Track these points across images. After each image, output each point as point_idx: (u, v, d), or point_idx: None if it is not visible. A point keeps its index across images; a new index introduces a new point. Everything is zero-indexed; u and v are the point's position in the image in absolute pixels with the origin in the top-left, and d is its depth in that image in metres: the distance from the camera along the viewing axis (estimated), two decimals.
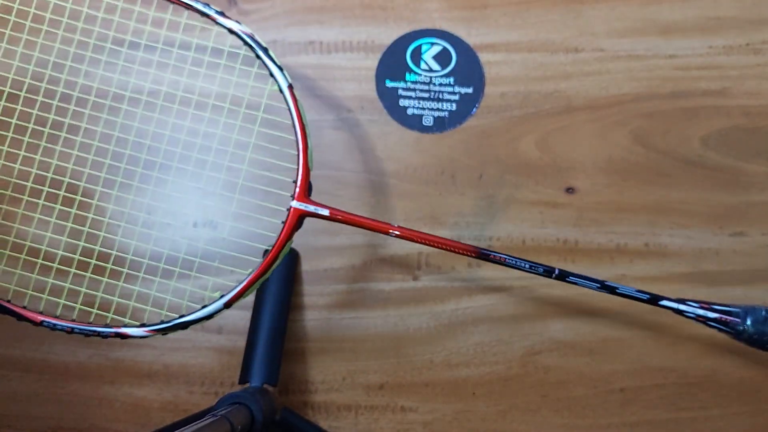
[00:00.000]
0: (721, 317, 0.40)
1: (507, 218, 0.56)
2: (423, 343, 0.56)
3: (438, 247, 0.45)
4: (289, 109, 0.47)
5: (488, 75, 0.58)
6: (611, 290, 0.43)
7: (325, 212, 0.46)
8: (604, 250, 0.56)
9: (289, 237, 0.46)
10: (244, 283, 0.46)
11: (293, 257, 0.55)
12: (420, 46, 0.58)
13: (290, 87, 0.47)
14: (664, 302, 0.43)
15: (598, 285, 0.44)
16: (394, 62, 0.58)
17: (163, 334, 0.46)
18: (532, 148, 0.57)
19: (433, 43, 0.58)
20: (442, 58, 0.58)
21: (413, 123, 0.57)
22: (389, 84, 0.58)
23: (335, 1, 0.58)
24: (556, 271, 0.44)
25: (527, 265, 0.44)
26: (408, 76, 0.58)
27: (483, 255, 0.45)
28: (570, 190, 0.57)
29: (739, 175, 0.57)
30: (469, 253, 0.45)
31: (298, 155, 0.47)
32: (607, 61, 0.58)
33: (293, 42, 0.58)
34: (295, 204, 0.46)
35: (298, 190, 0.46)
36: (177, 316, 0.46)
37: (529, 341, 0.56)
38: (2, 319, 0.56)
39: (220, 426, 0.38)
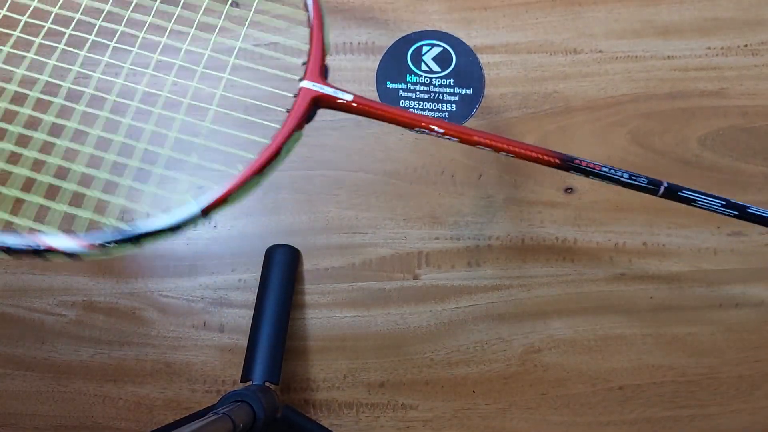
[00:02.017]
0: None
1: (506, 218, 0.57)
2: (423, 341, 0.56)
3: (511, 153, 0.38)
4: None
5: (488, 76, 0.58)
6: (741, 210, 0.34)
7: (348, 97, 0.36)
8: (602, 250, 0.56)
9: (297, 126, 0.36)
10: (233, 181, 0.35)
11: (294, 256, 0.56)
12: (420, 48, 0.59)
13: None
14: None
15: (723, 203, 0.35)
16: (394, 63, 0.59)
17: (104, 250, 0.33)
18: None
19: (433, 45, 0.59)
20: (442, 59, 0.59)
21: None
22: (390, 85, 0.58)
23: (336, 3, 0.59)
24: (665, 184, 0.36)
25: (626, 175, 0.36)
26: (408, 77, 0.58)
27: (567, 162, 0.36)
28: (569, 190, 0.57)
29: (736, 174, 0.57)
30: (552, 160, 0.36)
31: (310, 26, 0.37)
32: (606, 62, 0.58)
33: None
34: (306, 84, 0.36)
35: (309, 68, 0.36)
36: (127, 227, 0.33)
37: (529, 339, 0.56)
38: (5, 319, 0.57)
39: (223, 424, 0.38)
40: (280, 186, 0.57)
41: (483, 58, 0.58)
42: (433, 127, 0.36)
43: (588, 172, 0.36)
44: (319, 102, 0.36)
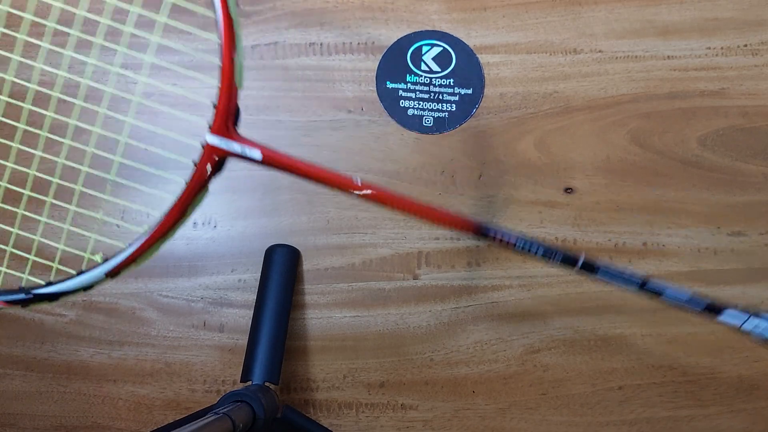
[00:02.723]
0: None
1: (506, 218, 0.57)
2: (423, 341, 0.56)
3: (424, 218, 0.37)
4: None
5: (488, 76, 0.58)
6: (652, 292, 0.33)
7: (256, 154, 0.32)
8: (602, 250, 0.56)
9: (202, 184, 0.33)
10: (137, 245, 0.33)
11: (295, 256, 0.56)
12: (420, 48, 0.59)
13: None
14: (726, 318, 0.31)
15: (637, 283, 0.33)
16: (394, 63, 0.59)
17: (23, 307, 0.34)
18: (531, 148, 0.57)
19: (433, 45, 0.59)
20: (442, 59, 0.59)
21: (413, 123, 0.58)
22: (390, 85, 0.58)
23: (336, 3, 0.59)
24: (581, 261, 0.33)
25: (541, 250, 0.33)
26: (408, 77, 0.59)
27: (483, 231, 0.33)
28: (569, 190, 0.57)
29: (736, 175, 0.57)
30: (466, 228, 0.34)
31: (221, 64, 0.32)
32: (606, 62, 0.58)
33: (294, 43, 0.58)
34: (211, 139, 0.33)
35: (215, 119, 0.32)
36: (43, 283, 0.33)
37: (529, 340, 0.56)
38: (6, 319, 0.57)
39: (222, 424, 0.38)
40: (280, 186, 0.57)
41: (483, 58, 0.58)
42: (354, 190, 0.33)
43: (502, 243, 0.34)
44: (227, 156, 0.33)
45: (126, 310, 0.56)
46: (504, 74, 0.58)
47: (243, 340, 0.54)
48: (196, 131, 0.35)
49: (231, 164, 0.57)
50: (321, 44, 0.58)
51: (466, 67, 0.58)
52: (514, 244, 0.33)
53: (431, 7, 0.59)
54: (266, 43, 0.59)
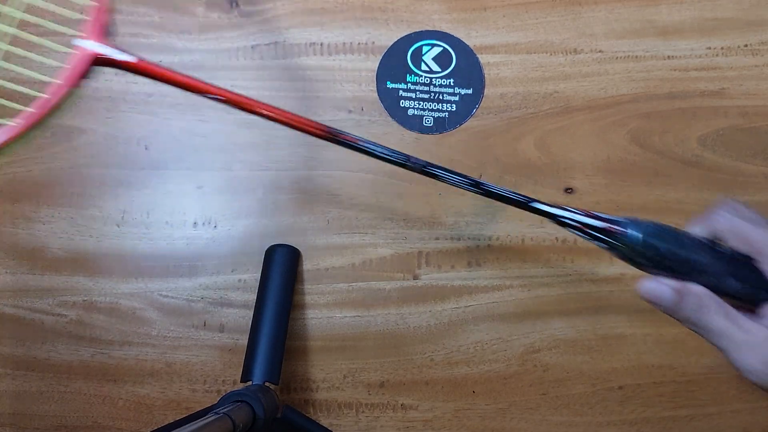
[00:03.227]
0: (608, 227, 0.32)
1: (506, 218, 0.57)
2: (423, 341, 0.56)
3: (275, 120, 0.39)
4: None
5: (488, 76, 0.58)
6: (478, 186, 0.37)
7: (130, 58, 0.35)
8: (603, 250, 0.56)
9: (75, 84, 0.34)
10: (12, 131, 0.33)
11: (295, 256, 0.56)
12: (420, 48, 0.59)
13: None
14: (538, 205, 0.35)
15: (464, 180, 0.38)
16: (394, 64, 0.59)
17: None
18: (531, 148, 0.57)
19: (433, 45, 0.59)
20: (442, 59, 0.59)
21: (413, 124, 0.58)
22: (390, 85, 0.58)
23: (336, 3, 0.59)
24: (412, 159, 0.39)
25: (383, 151, 0.38)
26: (408, 78, 0.59)
27: (332, 135, 0.37)
28: (569, 190, 0.57)
29: (736, 175, 0.57)
30: (316, 132, 0.38)
31: None
32: (606, 62, 0.58)
33: (294, 43, 0.59)
34: (84, 44, 0.34)
35: (88, 27, 0.34)
36: None
37: (529, 339, 0.56)
38: (6, 319, 0.57)
39: (222, 424, 0.38)
40: (281, 186, 0.57)
41: (483, 58, 0.58)
42: (212, 94, 0.37)
43: (352, 146, 0.38)
44: (99, 62, 0.35)
45: (126, 310, 0.56)
46: (504, 74, 0.58)
47: (243, 340, 0.54)
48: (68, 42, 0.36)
49: (228, 162, 0.57)
50: (321, 44, 0.59)
51: (466, 67, 0.58)
52: (358, 146, 0.38)
53: (431, 7, 0.59)
54: (266, 43, 0.59)
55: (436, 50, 0.59)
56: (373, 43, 0.59)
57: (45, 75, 0.36)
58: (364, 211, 0.57)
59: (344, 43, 0.59)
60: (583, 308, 0.56)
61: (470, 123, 0.58)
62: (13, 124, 0.34)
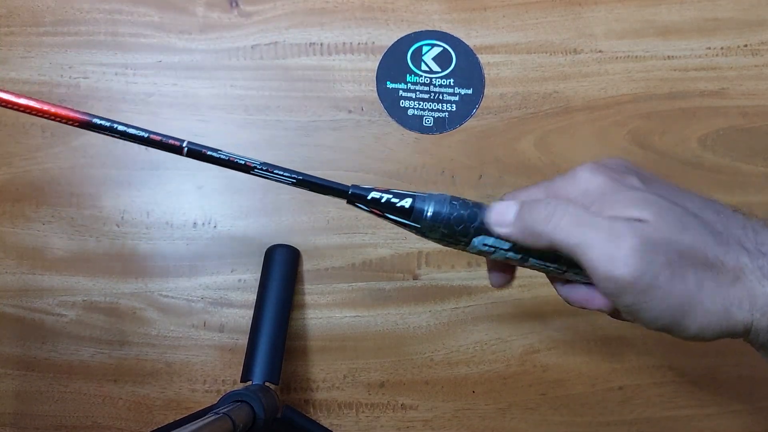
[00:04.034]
0: (405, 203, 0.31)
1: None
2: (423, 341, 0.56)
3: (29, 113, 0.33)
4: None
5: (488, 76, 0.58)
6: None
7: None
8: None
9: None
10: None
11: (294, 256, 0.56)
12: (420, 48, 0.59)
13: None
14: (312, 179, 0.34)
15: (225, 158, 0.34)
16: (394, 64, 0.59)
17: None
18: (531, 148, 0.57)
19: (433, 45, 0.59)
20: (442, 59, 0.59)
21: (413, 124, 0.58)
22: (390, 85, 0.58)
23: (336, 3, 0.59)
24: (185, 143, 0.34)
25: (143, 134, 0.32)
26: (408, 78, 0.59)
27: (88, 124, 0.32)
28: None
29: (736, 175, 0.57)
30: (71, 122, 0.32)
31: None
32: (606, 62, 0.58)
33: (294, 43, 0.59)
34: None
35: None
36: None
37: (528, 340, 0.56)
38: (6, 319, 0.57)
39: (222, 424, 0.38)
40: (281, 186, 0.57)
41: (483, 58, 0.58)
42: None
43: (109, 130, 0.32)
44: None
45: (126, 310, 0.56)
46: (504, 74, 0.58)
47: (243, 340, 0.54)
48: None
49: None
50: (321, 44, 0.59)
51: (466, 67, 0.58)
52: (116, 130, 0.32)
53: (431, 7, 0.59)
54: (266, 43, 0.59)
55: (436, 50, 0.59)
56: (373, 43, 0.59)
57: None
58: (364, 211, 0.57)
59: (344, 43, 0.59)
60: (582, 308, 0.56)
61: (470, 123, 0.58)
62: None
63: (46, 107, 0.32)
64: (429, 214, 0.31)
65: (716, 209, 0.30)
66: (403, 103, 0.58)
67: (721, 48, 0.58)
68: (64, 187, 0.58)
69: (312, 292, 0.56)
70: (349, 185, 0.33)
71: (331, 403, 0.56)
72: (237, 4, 0.59)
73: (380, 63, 0.59)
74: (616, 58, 0.58)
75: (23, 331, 0.57)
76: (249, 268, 0.56)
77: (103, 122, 0.32)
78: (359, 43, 0.59)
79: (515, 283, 0.57)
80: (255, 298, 0.54)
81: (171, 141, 0.33)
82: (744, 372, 0.55)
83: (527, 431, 0.55)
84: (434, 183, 0.57)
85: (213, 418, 0.38)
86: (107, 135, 0.32)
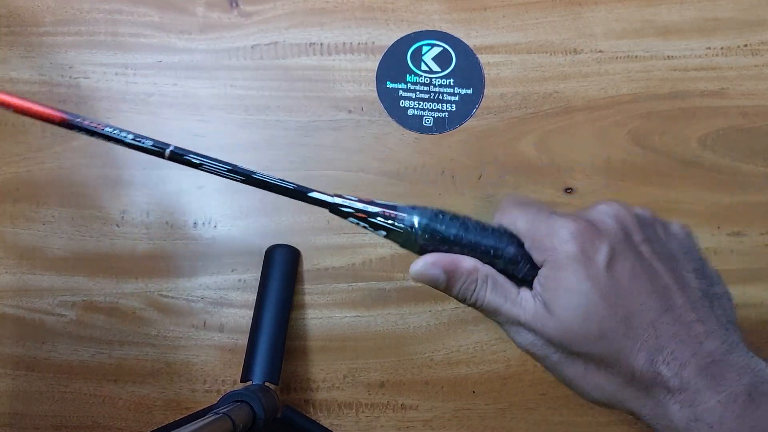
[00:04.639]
0: (384, 212, 0.33)
1: None
2: (423, 341, 0.56)
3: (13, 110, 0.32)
4: None
5: (488, 76, 0.58)
6: (247, 177, 0.35)
7: None
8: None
9: None
10: None
11: (294, 256, 0.56)
12: (420, 48, 0.59)
13: None
14: (315, 194, 0.34)
15: (228, 168, 0.35)
16: (394, 63, 0.59)
17: None
18: (531, 148, 0.57)
19: (433, 45, 0.59)
20: (442, 59, 0.59)
21: (413, 124, 0.58)
22: (390, 85, 0.58)
23: (336, 3, 0.59)
24: (171, 148, 0.35)
25: (131, 137, 0.33)
26: (408, 77, 0.59)
27: (70, 124, 0.33)
28: (569, 190, 0.57)
29: (736, 175, 0.57)
30: (54, 120, 0.33)
31: None
32: (606, 62, 0.58)
33: (294, 43, 0.59)
34: None
35: None
36: None
37: None
38: (6, 319, 0.57)
39: (222, 424, 0.38)
40: None
41: (483, 58, 0.58)
42: None
43: (93, 132, 0.34)
44: None
45: (126, 310, 0.56)
46: (504, 74, 0.58)
47: (243, 340, 0.54)
48: None
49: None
50: (321, 44, 0.59)
51: (466, 67, 0.58)
52: (103, 134, 0.34)
53: (431, 7, 0.59)
54: (266, 43, 0.59)
55: (436, 50, 0.59)
56: (373, 43, 0.59)
57: None
58: None
59: (344, 43, 0.59)
60: None
61: (470, 123, 0.58)
62: None
63: (27, 105, 0.32)
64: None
65: (694, 300, 0.29)
66: (403, 103, 0.58)
67: (721, 48, 0.58)
68: (64, 187, 0.58)
69: (312, 292, 0.56)
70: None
71: (331, 403, 0.56)
72: (237, 4, 0.59)
73: (380, 63, 0.59)
74: (616, 58, 0.58)
75: (23, 331, 0.57)
76: (249, 268, 0.56)
77: (83, 122, 0.32)
78: (359, 43, 0.59)
79: None
80: (255, 298, 0.54)
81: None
82: None
83: (527, 431, 0.55)
84: (434, 183, 0.57)
85: (213, 418, 0.38)
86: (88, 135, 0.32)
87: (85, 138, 0.59)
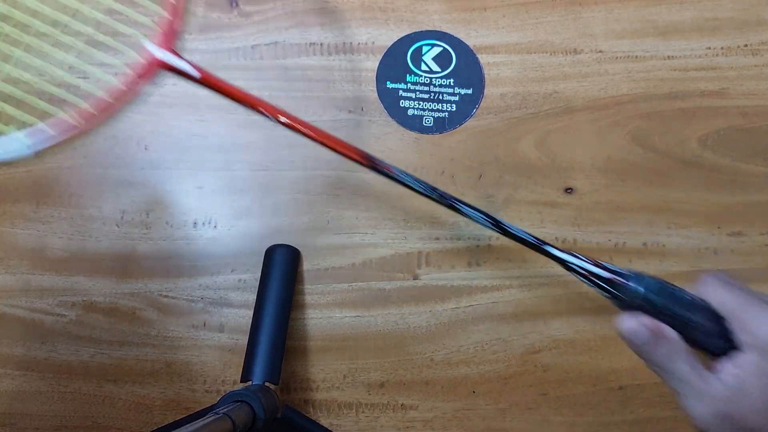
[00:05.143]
0: (613, 278, 0.35)
1: (506, 218, 0.56)
2: (423, 341, 0.56)
3: (322, 144, 0.41)
4: None
5: (488, 76, 0.58)
6: (497, 224, 0.39)
7: (194, 73, 0.36)
8: (602, 250, 0.56)
9: (138, 90, 0.36)
10: (70, 132, 0.35)
11: (294, 256, 0.56)
12: (420, 48, 0.59)
13: None
14: (550, 249, 0.38)
15: (486, 218, 0.40)
16: (394, 64, 0.59)
17: None
18: (531, 148, 0.57)
19: (433, 45, 0.59)
20: (442, 59, 0.59)
21: (413, 124, 0.58)
22: (390, 85, 0.58)
23: (336, 3, 0.59)
24: (439, 192, 0.41)
25: (413, 181, 0.41)
26: (408, 77, 0.59)
27: (371, 162, 0.40)
28: (569, 190, 0.57)
29: (736, 175, 0.57)
30: (357, 158, 0.41)
31: None
32: (606, 62, 0.58)
33: (294, 43, 0.59)
34: (154, 50, 0.35)
35: (159, 34, 0.35)
36: None
37: (529, 340, 0.56)
38: (6, 319, 0.57)
39: (222, 424, 0.38)
40: (280, 186, 0.57)
41: (483, 58, 0.58)
42: (274, 114, 0.39)
43: (387, 175, 0.41)
44: (166, 68, 0.36)
45: (126, 310, 0.56)
46: (504, 74, 0.58)
47: (243, 340, 0.54)
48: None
49: (228, 162, 0.57)
50: (321, 44, 0.59)
51: (466, 67, 0.58)
52: (397, 177, 0.41)
53: (431, 7, 0.59)
54: (266, 43, 0.59)
55: (436, 50, 0.59)
56: (373, 43, 0.59)
57: (109, 76, 0.37)
58: (364, 211, 0.57)
59: (344, 43, 0.59)
60: (582, 308, 0.56)
61: (470, 123, 0.58)
62: (73, 122, 0.35)
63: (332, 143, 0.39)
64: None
65: None
66: (403, 103, 0.58)
67: (721, 48, 0.58)
68: (64, 187, 0.58)
69: (312, 292, 0.56)
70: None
71: (331, 403, 0.56)
72: (237, 4, 0.59)
73: (380, 63, 0.59)
74: (616, 58, 0.58)
75: (23, 331, 0.57)
76: (249, 268, 0.56)
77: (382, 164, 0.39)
78: (359, 43, 0.59)
79: (515, 282, 0.57)
80: (255, 298, 0.54)
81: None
82: None
83: (528, 431, 0.55)
84: (434, 183, 0.57)
85: (213, 418, 0.38)
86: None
87: (85, 138, 0.59)
